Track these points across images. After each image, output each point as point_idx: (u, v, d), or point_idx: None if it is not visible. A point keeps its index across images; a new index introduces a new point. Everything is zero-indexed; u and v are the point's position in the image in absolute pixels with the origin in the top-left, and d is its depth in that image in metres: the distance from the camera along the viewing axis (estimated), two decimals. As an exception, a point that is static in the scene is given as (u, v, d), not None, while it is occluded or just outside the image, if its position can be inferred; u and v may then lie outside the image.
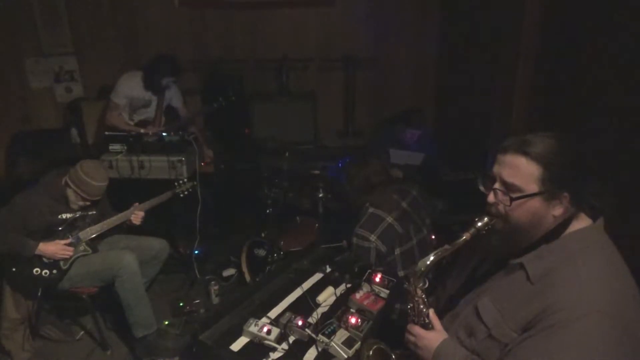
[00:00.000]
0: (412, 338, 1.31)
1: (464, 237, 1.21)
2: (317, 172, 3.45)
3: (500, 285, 1.21)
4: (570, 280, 1.07)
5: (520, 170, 1.11)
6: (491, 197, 1.18)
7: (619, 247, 1.18)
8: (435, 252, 1.25)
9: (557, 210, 1.13)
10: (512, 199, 1.13)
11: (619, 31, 2.25)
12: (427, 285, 1.30)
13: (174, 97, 3.71)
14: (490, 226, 1.20)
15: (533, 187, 1.11)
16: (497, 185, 1.17)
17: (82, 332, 2.81)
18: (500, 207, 1.17)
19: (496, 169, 1.17)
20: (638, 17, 2.11)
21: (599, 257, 1.11)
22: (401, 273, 2.23)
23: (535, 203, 1.12)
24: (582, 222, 1.16)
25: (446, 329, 1.30)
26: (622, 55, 2.23)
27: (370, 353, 1.41)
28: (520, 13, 2.95)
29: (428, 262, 1.24)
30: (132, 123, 3.58)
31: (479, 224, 1.20)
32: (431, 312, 1.30)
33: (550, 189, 1.10)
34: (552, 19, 2.81)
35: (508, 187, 1.14)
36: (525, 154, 1.11)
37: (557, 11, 2.77)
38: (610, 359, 0.99)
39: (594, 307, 1.02)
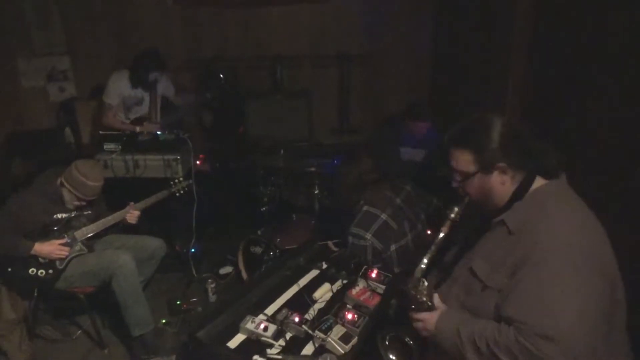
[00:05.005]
0: (420, 324, 1.42)
1: (443, 233, 1.44)
2: (312, 169, 3.44)
3: (487, 243, 1.41)
4: (543, 225, 1.26)
5: (459, 158, 1.39)
6: (454, 183, 1.44)
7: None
8: (425, 255, 1.44)
9: (502, 178, 1.35)
10: (459, 182, 1.41)
11: (615, 27, 2.25)
12: (426, 284, 1.42)
13: (165, 89, 3.71)
14: (461, 214, 1.45)
15: (472, 168, 1.37)
16: (454, 174, 1.43)
17: (79, 332, 2.81)
18: (461, 188, 1.43)
19: (450, 160, 1.43)
20: (634, 13, 2.11)
21: (566, 205, 1.32)
22: (397, 269, 2.24)
23: (479, 179, 1.37)
24: (542, 182, 1.36)
25: (446, 294, 1.45)
26: (619, 50, 2.23)
27: (387, 343, 1.49)
28: (514, 8, 2.96)
29: (423, 266, 1.42)
30: (128, 122, 3.57)
31: (452, 215, 1.44)
32: (436, 296, 1.43)
33: (484, 164, 1.34)
34: (546, 13, 2.82)
35: (458, 173, 1.41)
36: (457, 145, 1.39)
37: (552, 5, 2.78)
38: (582, 280, 1.17)
39: (563, 242, 1.22)
